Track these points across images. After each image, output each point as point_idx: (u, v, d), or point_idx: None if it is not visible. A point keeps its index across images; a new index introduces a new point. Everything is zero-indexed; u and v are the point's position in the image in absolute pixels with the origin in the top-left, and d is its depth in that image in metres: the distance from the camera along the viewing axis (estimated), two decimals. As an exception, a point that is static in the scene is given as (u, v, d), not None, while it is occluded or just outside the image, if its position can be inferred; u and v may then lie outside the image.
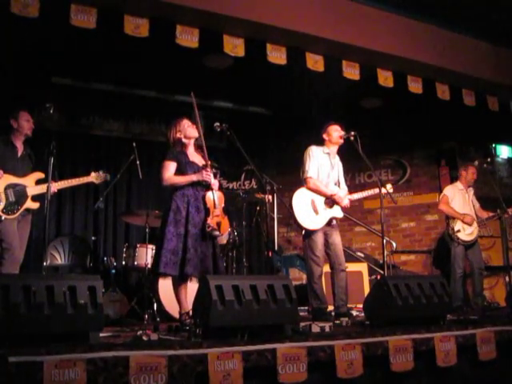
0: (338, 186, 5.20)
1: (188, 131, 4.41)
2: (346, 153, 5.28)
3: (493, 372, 3.80)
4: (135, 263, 5.92)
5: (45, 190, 4.39)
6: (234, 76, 6.70)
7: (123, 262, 6.08)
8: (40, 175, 4.64)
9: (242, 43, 4.92)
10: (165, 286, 5.53)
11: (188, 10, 4.55)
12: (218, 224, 4.30)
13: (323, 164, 5.11)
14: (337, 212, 5.06)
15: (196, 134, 4.44)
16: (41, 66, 6.39)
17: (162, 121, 7.92)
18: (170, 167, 4.34)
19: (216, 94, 7.91)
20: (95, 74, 6.97)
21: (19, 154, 4.68)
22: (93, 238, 6.97)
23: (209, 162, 4.35)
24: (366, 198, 7.94)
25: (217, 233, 4.26)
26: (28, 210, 4.63)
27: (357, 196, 5.20)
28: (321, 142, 5.21)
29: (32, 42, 5.64)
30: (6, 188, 4.46)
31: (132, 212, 6.43)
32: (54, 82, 6.92)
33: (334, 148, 5.18)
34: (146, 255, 5.77)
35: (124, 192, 7.63)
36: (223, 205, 4.46)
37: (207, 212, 4.29)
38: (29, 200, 4.56)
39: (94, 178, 5.05)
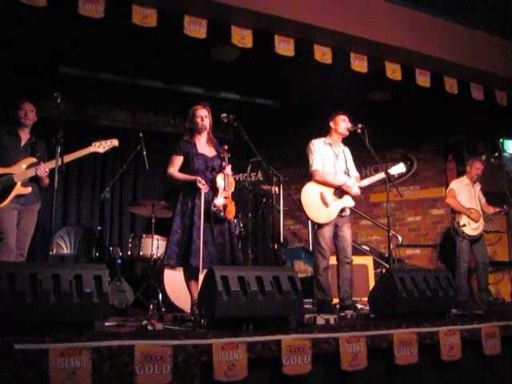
0: (348, 174, 5.12)
1: (198, 123, 4.40)
2: (352, 146, 5.25)
3: (497, 367, 3.80)
4: (141, 253, 5.96)
5: (33, 173, 4.42)
6: (242, 67, 6.67)
7: (129, 253, 6.12)
8: (30, 160, 4.55)
9: (250, 34, 4.91)
10: (170, 276, 5.55)
11: (196, 0, 4.54)
12: (225, 206, 4.28)
13: (327, 155, 5.06)
14: (347, 201, 5.00)
15: (207, 127, 4.43)
16: (49, 55, 6.38)
17: (168, 111, 7.91)
18: (176, 161, 4.38)
19: (223, 85, 7.89)
20: (102, 64, 6.96)
21: (22, 143, 4.65)
22: (99, 227, 6.99)
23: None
24: (372, 191, 8.02)
25: (222, 214, 4.24)
26: (30, 200, 4.54)
27: (365, 182, 5.05)
28: (324, 134, 5.18)
29: (40, 32, 5.64)
30: None
31: (138, 202, 6.43)
32: (61, 71, 6.92)
33: (338, 138, 5.13)
34: (151, 245, 5.81)
35: (130, 182, 7.64)
36: (232, 190, 4.43)
37: (215, 193, 4.28)
38: (18, 186, 4.44)
39: (95, 147, 4.72)
